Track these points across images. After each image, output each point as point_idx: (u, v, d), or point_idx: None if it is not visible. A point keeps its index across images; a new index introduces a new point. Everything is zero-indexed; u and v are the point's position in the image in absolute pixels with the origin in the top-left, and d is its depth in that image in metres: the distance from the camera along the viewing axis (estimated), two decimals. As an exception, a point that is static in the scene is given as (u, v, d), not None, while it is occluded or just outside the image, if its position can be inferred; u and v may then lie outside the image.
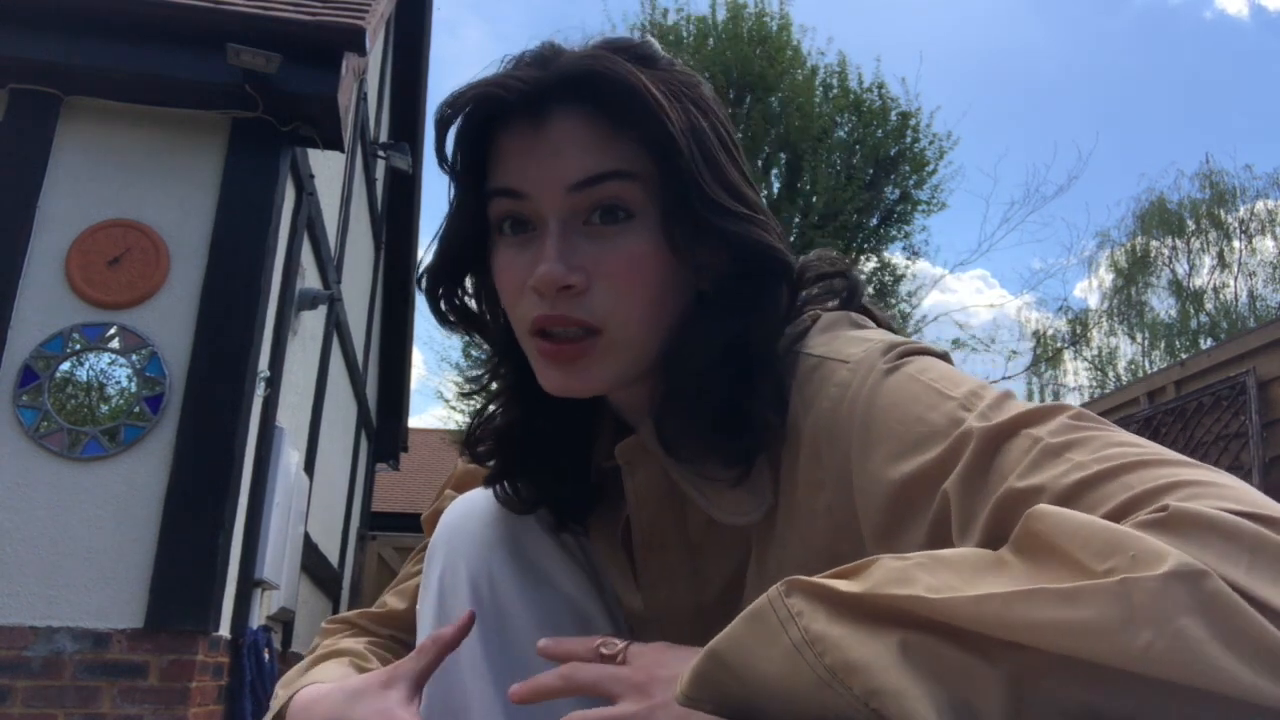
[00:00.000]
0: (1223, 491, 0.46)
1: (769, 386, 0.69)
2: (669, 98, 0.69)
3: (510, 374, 0.80)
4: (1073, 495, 0.49)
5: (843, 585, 0.47)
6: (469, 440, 0.83)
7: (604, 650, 0.60)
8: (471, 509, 0.84)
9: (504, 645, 0.78)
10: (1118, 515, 0.47)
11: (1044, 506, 0.47)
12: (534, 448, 0.80)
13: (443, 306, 0.78)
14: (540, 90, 0.69)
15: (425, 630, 0.81)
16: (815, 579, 0.48)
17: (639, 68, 0.69)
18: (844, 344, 0.69)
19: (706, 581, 0.76)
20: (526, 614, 0.78)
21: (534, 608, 0.79)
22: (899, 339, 0.67)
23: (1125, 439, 0.53)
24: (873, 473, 0.60)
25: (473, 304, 0.80)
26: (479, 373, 0.83)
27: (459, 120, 0.71)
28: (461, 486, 0.92)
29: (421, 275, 0.78)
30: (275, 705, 0.78)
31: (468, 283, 0.79)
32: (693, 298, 0.72)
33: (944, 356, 0.66)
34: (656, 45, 0.74)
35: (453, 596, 0.79)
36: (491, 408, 0.82)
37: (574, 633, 0.80)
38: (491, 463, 0.82)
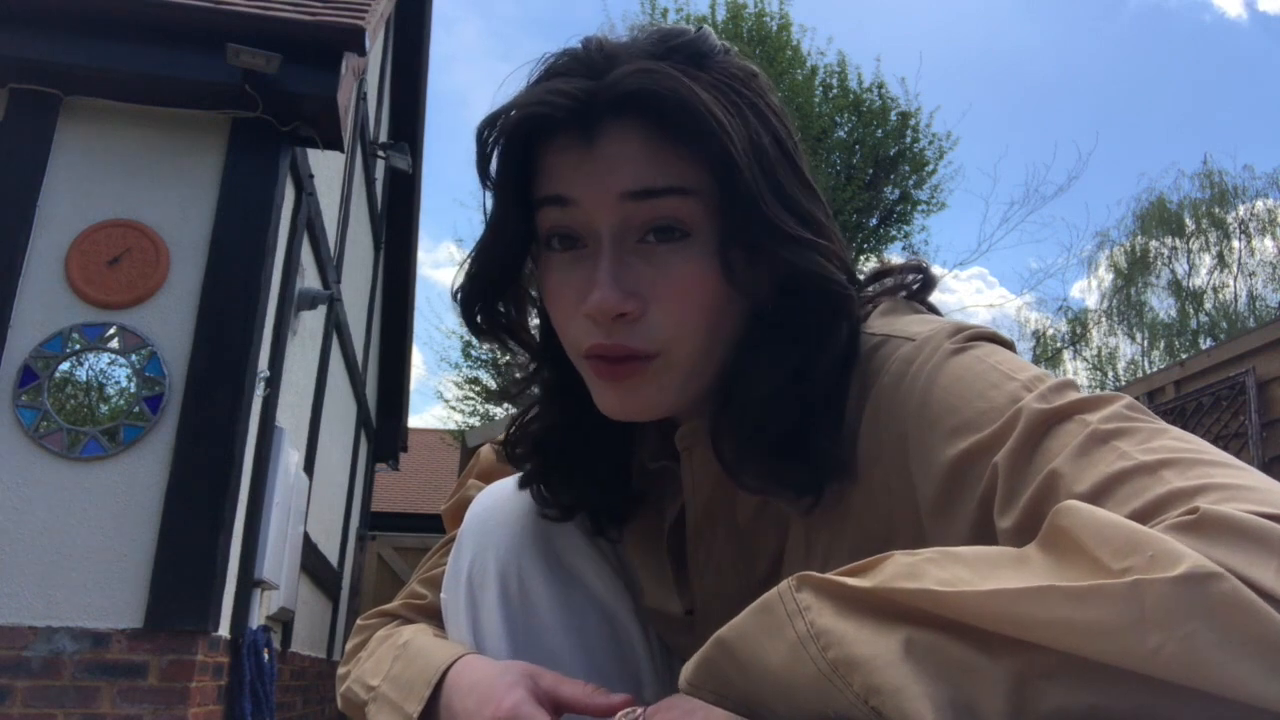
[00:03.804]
0: (1257, 495, 0.45)
1: (831, 418, 0.66)
2: (728, 110, 0.65)
3: (549, 377, 0.78)
4: (1110, 485, 0.50)
5: (853, 581, 0.47)
6: (506, 444, 0.81)
7: None
8: (501, 501, 0.83)
9: (530, 641, 0.77)
10: (1149, 510, 0.47)
11: (1072, 502, 0.47)
12: (573, 452, 0.79)
13: (479, 320, 0.75)
14: (591, 106, 0.65)
15: (453, 619, 0.80)
16: (827, 575, 0.48)
17: (694, 73, 0.65)
18: (908, 323, 0.68)
19: (752, 565, 0.75)
20: (554, 611, 0.78)
21: (561, 604, 0.79)
22: (967, 323, 0.67)
23: (1174, 434, 0.53)
24: (931, 447, 0.60)
25: (507, 311, 0.77)
26: (518, 376, 0.81)
27: (502, 139, 0.68)
28: (486, 477, 0.91)
29: (457, 291, 0.74)
30: (387, 696, 0.75)
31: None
32: (749, 316, 0.69)
33: (1010, 346, 0.66)
34: (712, 36, 0.70)
35: (481, 588, 0.79)
36: (531, 413, 0.80)
37: (600, 631, 0.80)
38: (528, 466, 0.80)
